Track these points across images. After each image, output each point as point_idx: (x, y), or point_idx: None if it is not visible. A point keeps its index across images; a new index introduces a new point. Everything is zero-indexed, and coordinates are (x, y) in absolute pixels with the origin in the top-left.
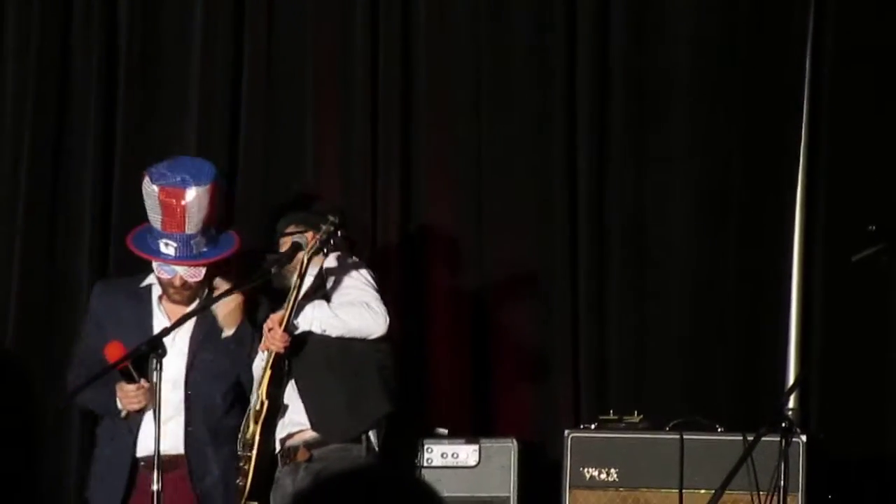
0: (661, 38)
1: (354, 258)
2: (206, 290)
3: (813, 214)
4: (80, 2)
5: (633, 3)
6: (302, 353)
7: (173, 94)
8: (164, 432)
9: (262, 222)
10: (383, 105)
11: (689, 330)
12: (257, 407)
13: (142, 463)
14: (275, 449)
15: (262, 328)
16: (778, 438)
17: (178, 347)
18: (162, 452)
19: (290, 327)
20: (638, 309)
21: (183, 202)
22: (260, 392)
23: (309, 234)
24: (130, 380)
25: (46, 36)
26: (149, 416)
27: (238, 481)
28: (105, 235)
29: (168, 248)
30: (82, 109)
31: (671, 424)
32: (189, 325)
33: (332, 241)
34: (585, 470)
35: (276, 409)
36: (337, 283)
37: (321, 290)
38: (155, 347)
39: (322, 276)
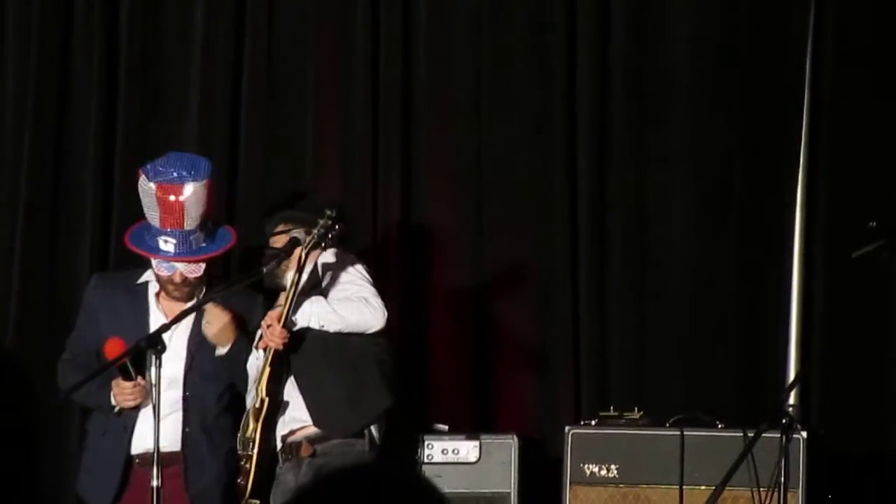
0: (662, 38)
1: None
2: (204, 288)
3: (813, 213)
4: (80, 1)
5: (634, 2)
6: (300, 349)
7: (174, 94)
8: (161, 427)
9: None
10: (384, 105)
11: (689, 327)
12: (257, 405)
13: (136, 460)
14: (275, 446)
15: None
16: (778, 435)
17: (175, 348)
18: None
19: (288, 324)
20: (638, 305)
21: (181, 198)
22: (259, 389)
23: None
24: (128, 377)
25: (47, 36)
26: (144, 414)
27: (239, 480)
28: (106, 235)
29: (167, 244)
30: (83, 109)
31: (671, 421)
32: (187, 327)
33: (329, 235)
34: (586, 466)
35: (277, 406)
36: (333, 279)
37: (317, 286)
38: (154, 344)
39: (317, 271)
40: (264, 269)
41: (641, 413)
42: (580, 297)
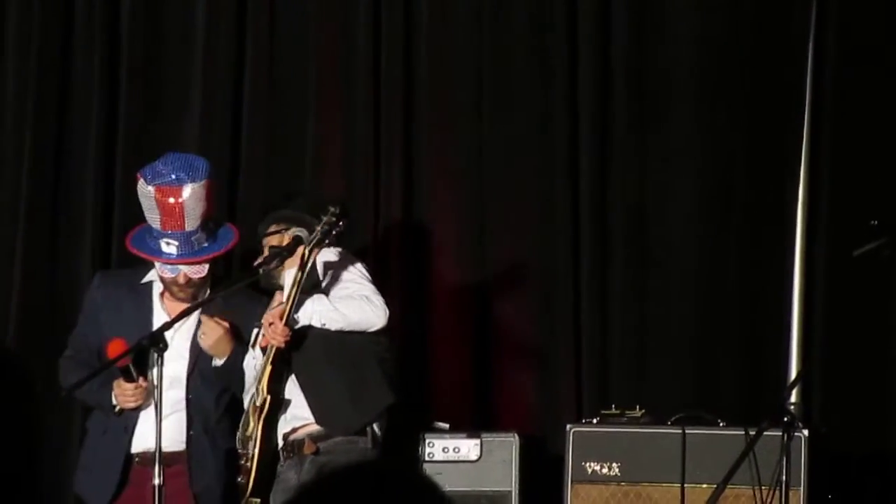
0: (663, 38)
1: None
2: (208, 288)
3: (814, 212)
4: (81, 2)
5: (635, 2)
6: (301, 347)
7: (175, 94)
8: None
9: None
10: (385, 105)
11: (691, 326)
12: (258, 403)
13: (136, 459)
14: (276, 444)
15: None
16: (780, 433)
17: (177, 348)
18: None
19: (290, 322)
20: (640, 304)
21: (180, 200)
22: (261, 388)
23: (292, 230)
24: (130, 378)
25: (48, 36)
26: (145, 414)
27: (239, 479)
28: (107, 235)
29: (169, 246)
30: (84, 109)
31: (673, 419)
32: (190, 328)
33: (334, 232)
34: (587, 464)
35: (279, 404)
36: (333, 277)
37: (317, 285)
38: (156, 342)
39: (317, 269)
40: (264, 269)
41: (643, 411)
42: (581, 296)
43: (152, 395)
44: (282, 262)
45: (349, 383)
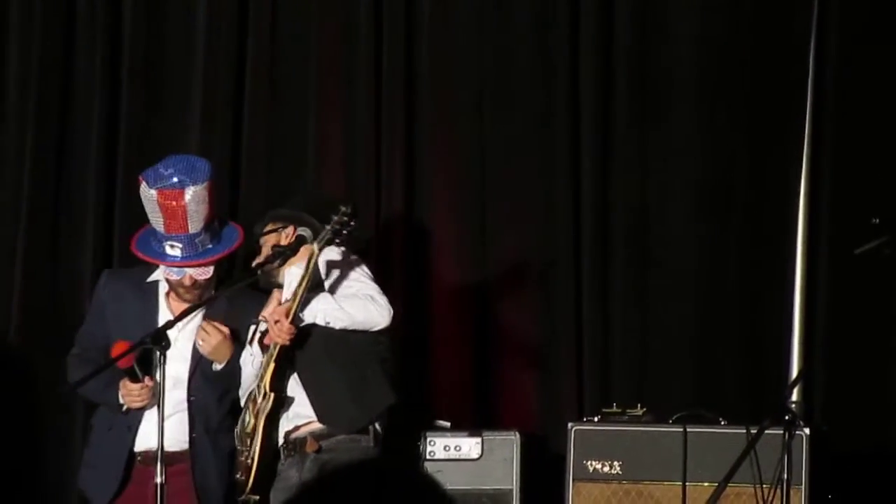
0: (664, 37)
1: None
2: (213, 289)
3: (816, 210)
4: (83, 2)
5: (637, 1)
6: (303, 345)
7: (176, 94)
8: (164, 427)
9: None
10: (386, 104)
11: (692, 324)
12: (259, 400)
13: (139, 457)
14: (277, 442)
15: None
16: (781, 431)
17: (180, 349)
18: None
19: (296, 320)
20: (641, 303)
21: (182, 203)
22: (264, 385)
23: (290, 229)
24: (135, 378)
25: (49, 36)
26: (149, 413)
27: (238, 475)
28: (108, 235)
29: (174, 249)
30: (85, 109)
31: (674, 417)
32: (193, 331)
33: (345, 232)
34: (589, 463)
35: (282, 402)
36: (337, 276)
37: (319, 284)
38: (158, 340)
39: (318, 269)
40: (266, 268)
41: (644, 410)
42: (583, 295)
43: (158, 392)
44: (284, 262)
45: (351, 382)
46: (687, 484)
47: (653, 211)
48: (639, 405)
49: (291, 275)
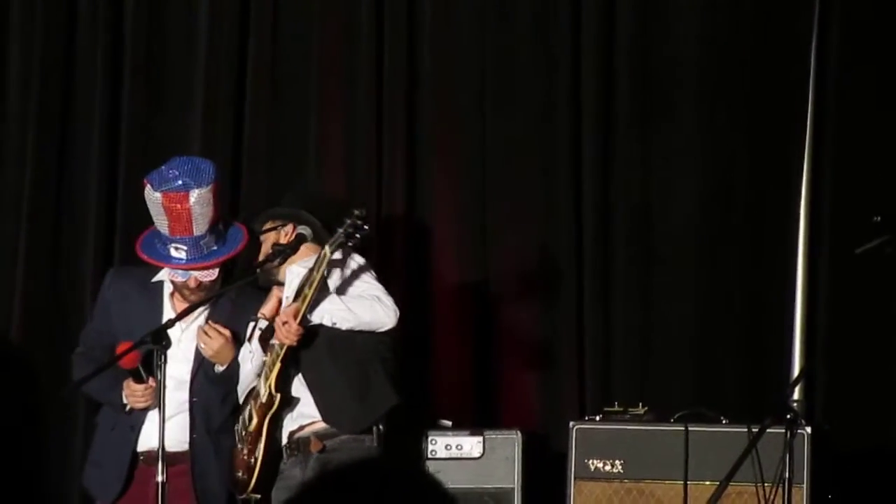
0: (666, 37)
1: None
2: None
3: (817, 209)
4: (84, 2)
5: (638, 1)
6: (308, 345)
7: (178, 93)
8: (166, 428)
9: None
10: (388, 103)
11: (694, 322)
12: (263, 399)
13: (141, 457)
14: (281, 442)
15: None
16: (783, 430)
17: (183, 350)
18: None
19: (303, 321)
20: (643, 302)
21: (187, 206)
22: (269, 385)
23: (289, 227)
24: (139, 379)
25: (51, 35)
26: (152, 413)
27: (239, 474)
28: (110, 234)
29: (179, 252)
30: (87, 109)
31: (676, 416)
32: (195, 332)
33: (357, 235)
34: (590, 462)
35: (287, 402)
36: (341, 276)
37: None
38: (159, 340)
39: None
40: (267, 267)
41: (646, 409)
42: (584, 294)
43: (160, 391)
44: (284, 260)
45: (354, 382)
46: (688, 483)
47: (654, 210)
48: (640, 404)
49: (292, 273)
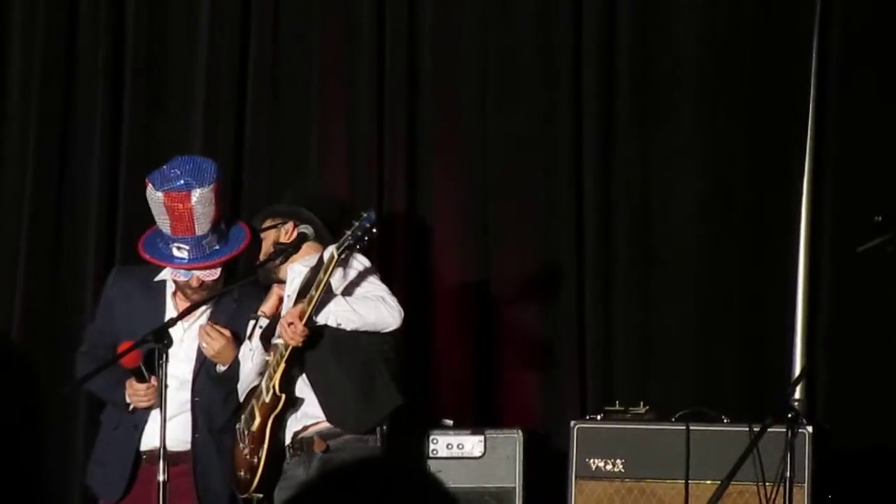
0: (667, 37)
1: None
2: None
3: (819, 207)
4: (85, 2)
5: (639, 1)
6: (312, 346)
7: (179, 94)
8: (167, 428)
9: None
10: (389, 103)
11: (695, 322)
12: (267, 399)
13: (144, 456)
14: (284, 441)
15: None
16: (784, 429)
17: (186, 350)
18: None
19: (309, 322)
20: (644, 301)
21: (189, 205)
22: (273, 385)
23: (289, 225)
24: (141, 378)
25: (52, 36)
26: (155, 412)
27: (241, 473)
28: (111, 235)
29: (181, 251)
30: (88, 109)
31: (677, 415)
32: (197, 332)
33: (366, 239)
34: (591, 461)
35: (292, 403)
36: (344, 277)
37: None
38: (160, 339)
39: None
40: (268, 265)
41: (647, 408)
42: (585, 294)
43: (161, 390)
44: (286, 259)
45: (358, 383)
46: (689, 482)
47: (655, 210)
48: (641, 403)
49: (293, 271)
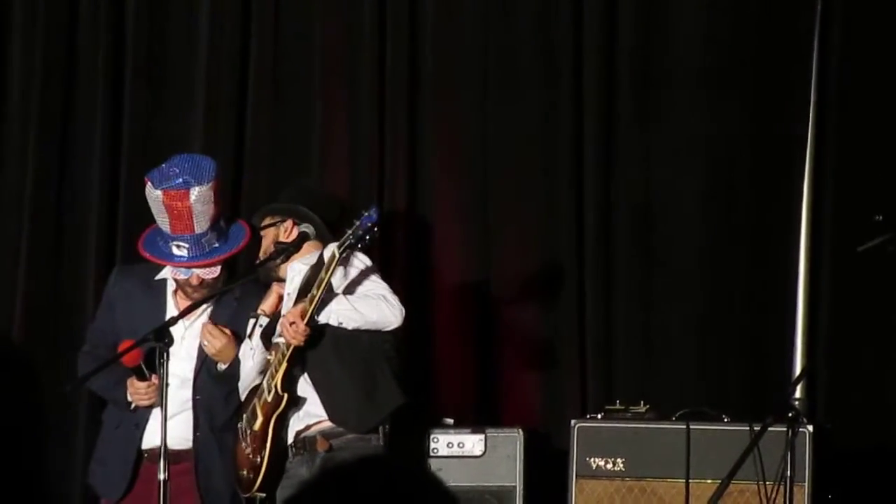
0: (668, 36)
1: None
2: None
3: (819, 207)
4: (86, 2)
5: (641, 1)
6: (314, 345)
7: (180, 93)
8: (169, 427)
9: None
10: (390, 102)
11: (695, 321)
12: (269, 399)
13: (146, 455)
14: (287, 440)
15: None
16: (784, 428)
17: (187, 348)
18: (167, 446)
19: (311, 321)
20: (645, 300)
21: (188, 203)
22: (275, 385)
23: (288, 223)
24: (142, 377)
25: (52, 36)
26: (156, 411)
27: (244, 472)
28: (111, 235)
29: (181, 249)
30: (88, 109)
31: (677, 414)
32: (199, 329)
33: (368, 237)
34: (592, 460)
35: (294, 402)
36: (345, 275)
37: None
38: (161, 338)
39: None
40: (269, 265)
41: (647, 407)
42: (586, 293)
43: (162, 388)
44: (287, 258)
45: (360, 382)
46: (690, 481)
47: (655, 210)
48: (642, 402)
49: (293, 270)
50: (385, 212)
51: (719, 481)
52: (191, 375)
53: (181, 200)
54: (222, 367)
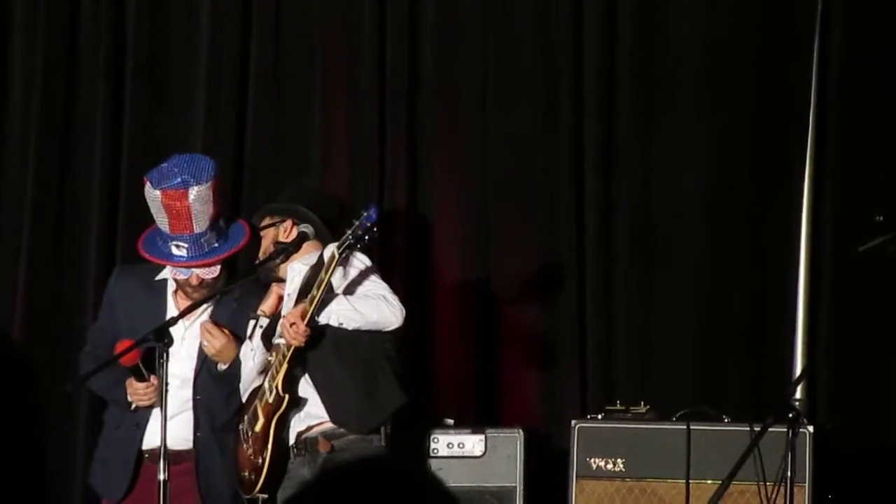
0: (668, 37)
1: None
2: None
3: (820, 207)
4: (87, 1)
5: (640, 1)
6: (314, 346)
7: (180, 93)
8: (169, 427)
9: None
10: (390, 102)
11: (695, 321)
12: (270, 400)
13: (146, 455)
14: (288, 442)
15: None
16: (785, 429)
17: (187, 348)
18: (168, 446)
19: (311, 322)
20: (645, 300)
21: (187, 203)
22: (276, 386)
23: (287, 223)
24: (140, 377)
25: (53, 35)
26: (157, 411)
27: (245, 473)
28: (112, 235)
29: (180, 249)
30: (89, 108)
31: (678, 415)
32: (199, 330)
33: (367, 237)
34: (592, 460)
35: (295, 403)
36: (345, 276)
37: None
38: (161, 338)
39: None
40: (269, 265)
41: (647, 407)
42: (586, 293)
43: (162, 389)
44: (287, 258)
45: (362, 382)
46: (690, 481)
47: (655, 210)
48: (642, 403)
49: (293, 270)
50: (385, 212)
51: (719, 482)
52: (191, 375)
53: (180, 200)
54: (222, 367)
